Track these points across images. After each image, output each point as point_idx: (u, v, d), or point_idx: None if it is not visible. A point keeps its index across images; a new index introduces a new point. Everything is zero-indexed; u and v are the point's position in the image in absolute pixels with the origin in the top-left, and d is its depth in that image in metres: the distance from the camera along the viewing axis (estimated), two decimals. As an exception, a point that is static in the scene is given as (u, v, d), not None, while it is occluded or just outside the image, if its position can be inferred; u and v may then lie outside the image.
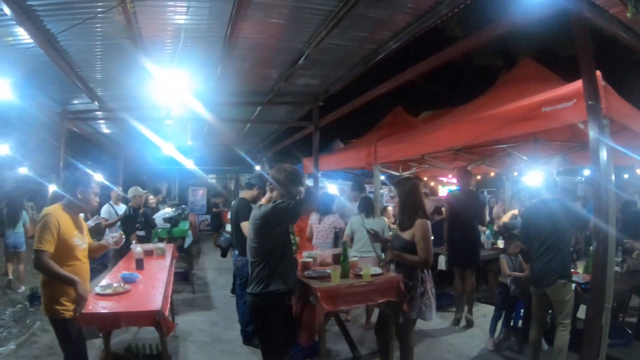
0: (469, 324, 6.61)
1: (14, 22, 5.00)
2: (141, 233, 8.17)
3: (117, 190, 8.92)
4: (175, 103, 8.73)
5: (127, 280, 4.52)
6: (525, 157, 7.81)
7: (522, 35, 9.10)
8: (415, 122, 9.89)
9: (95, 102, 8.80)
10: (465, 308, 6.73)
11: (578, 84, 4.21)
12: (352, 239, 6.36)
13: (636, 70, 11.88)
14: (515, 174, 10.01)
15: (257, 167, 16.23)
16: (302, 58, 6.77)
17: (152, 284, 4.60)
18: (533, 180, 7.34)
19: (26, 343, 5.76)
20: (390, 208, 9.03)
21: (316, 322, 3.98)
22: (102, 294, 4.02)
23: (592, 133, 3.95)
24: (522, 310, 5.77)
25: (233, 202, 6.45)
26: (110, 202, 8.45)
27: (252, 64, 7.28)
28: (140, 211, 8.48)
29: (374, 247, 5.76)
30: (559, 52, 11.80)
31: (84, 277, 3.75)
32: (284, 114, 11.69)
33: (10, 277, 8.59)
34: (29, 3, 4.71)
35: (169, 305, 4.46)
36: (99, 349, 4.61)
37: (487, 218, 8.39)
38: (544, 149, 7.60)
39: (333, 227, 6.95)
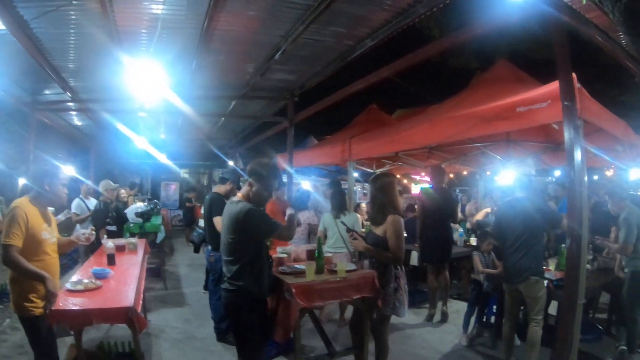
0: (445, 317, 6.70)
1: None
2: (112, 228, 8.04)
3: (88, 183, 8.74)
4: (150, 95, 8.58)
5: (98, 276, 4.42)
6: (498, 157, 7.93)
7: (498, 37, 9.19)
8: (389, 120, 9.98)
9: (67, 93, 8.55)
10: (439, 303, 6.83)
11: (553, 86, 4.30)
12: (325, 236, 6.36)
13: (607, 76, 12.16)
14: (488, 173, 10.14)
15: (230, 163, 16.11)
16: (279, 52, 6.72)
17: (124, 279, 4.50)
18: (506, 179, 7.45)
19: (-5, 342, 5.60)
20: (363, 205, 9.08)
21: (291, 318, 3.95)
22: (72, 290, 3.91)
23: (568, 133, 4.01)
24: (494, 307, 5.87)
25: (207, 197, 6.38)
26: (81, 196, 8.28)
27: (229, 57, 7.19)
28: (112, 206, 8.33)
29: (345, 244, 5.78)
30: (533, 56, 11.98)
31: (54, 273, 3.66)
32: (258, 109, 11.59)
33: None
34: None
35: (141, 302, 4.39)
36: (70, 347, 4.51)
37: (460, 216, 8.49)
38: (516, 149, 7.74)
39: (308, 223, 6.93)
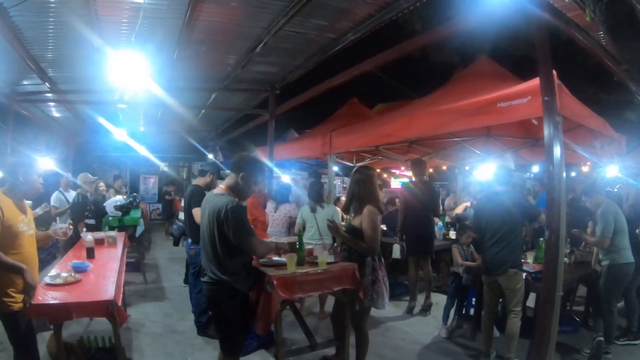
0: (429, 308, 6.79)
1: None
2: (91, 221, 7.91)
3: (68, 176, 8.61)
4: (130, 87, 8.48)
5: (77, 269, 4.35)
6: (478, 151, 8.01)
7: (480, 34, 9.27)
8: (370, 113, 9.99)
9: (46, 84, 8.38)
10: (420, 295, 6.90)
11: (534, 82, 4.36)
12: (304, 228, 6.36)
13: (587, 74, 12.36)
14: (467, 167, 10.24)
15: (210, 156, 16.01)
16: (261, 44, 6.70)
17: (103, 273, 4.44)
18: (485, 173, 7.53)
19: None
20: (343, 198, 9.08)
21: (272, 310, 3.93)
22: (52, 284, 3.84)
23: (547, 129, 4.08)
24: (474, 299, 5.94)
25: (187, 190, 6.34)
26: (60, 189, 8.15)
27: (210, 49, 7.15)
28: (91, 199, 8.22)
29: (322, 236, 5.85)
30: (515, 53, 12.11)
31: (32, 266, 3.61)
32: (239, 102, 11.58)
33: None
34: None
35: (121, 296, 4.34)
36: (50, 339, 4.43)
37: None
38: (496, 144, 7.83)
39: (289, 216, 6.93)
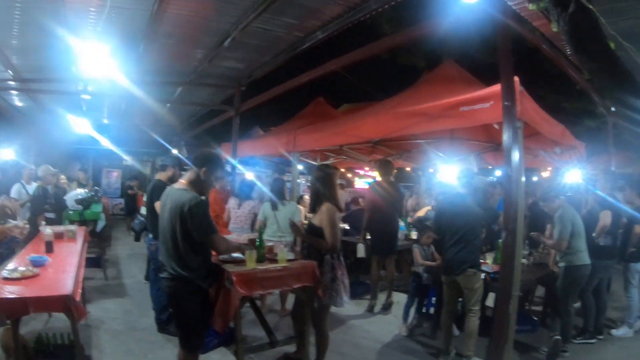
0: (389, 307, 6.87)
1: None
2: (51, 215, 7.71)
3: (32, 168, 8.38)
4: (94, 77, 8.28)
5: (35, 263, 4.26)
6: (441, 154, 8.13)
7: (448, 38, 9.42)
8: (335, 113, 10.04)
9: (9, 71, 8.16)
10: (380, 295, 6.98)
11: (496, 88, 4.46)
12: (264, 225, 6.36)
13: (550, 84, 12.69)
14: (431, 170, 10.37)
15: (175, 151, 15.79)
16: (228, 40, 6.66)
17: (62, 267, 4.37)
18: (447, 175, 7.65)
19: None
20: (306, 197, 9.10)
21: (231, 307, 3.90)
22: (9, 278, 3.74)
23: (507, 133, 4.17)
24: (433, 298, 6.02)
25: (149, 184, 6.25)
26: (22, 181, 7.93)
27: (177, 42, 7.07)
28: (51, 192, 8.02)
29: (283, 233, 5.90)
30: (482, 59, 12.30)
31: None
32: (205, 97, 11.49)
33: None
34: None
35: (80, 291, 4.26)
36: (5, 332, 4.32)
37: (403, 210, 8.68)
38: (459, 147, 7.95)
39: (253, 212, 6.91)
